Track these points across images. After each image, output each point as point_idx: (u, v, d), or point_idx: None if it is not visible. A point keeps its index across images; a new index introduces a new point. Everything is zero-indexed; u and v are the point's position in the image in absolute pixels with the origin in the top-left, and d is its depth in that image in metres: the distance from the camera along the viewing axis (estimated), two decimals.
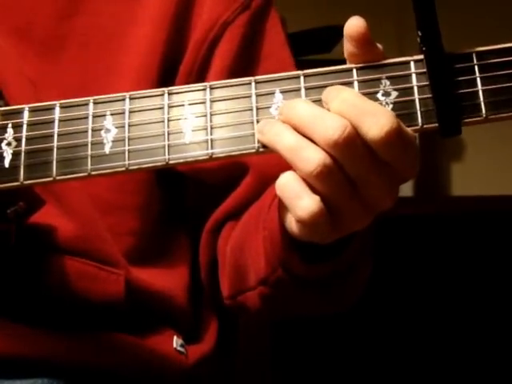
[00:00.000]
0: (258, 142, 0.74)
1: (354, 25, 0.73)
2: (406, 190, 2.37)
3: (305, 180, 0.72)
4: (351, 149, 0.70)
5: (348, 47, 0.74)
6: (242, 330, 1.20)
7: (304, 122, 0.72)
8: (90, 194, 0.99)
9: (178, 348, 1.02)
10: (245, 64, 1.03)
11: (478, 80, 0.70)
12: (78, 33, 1.02)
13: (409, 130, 0.71)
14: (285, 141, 0.72)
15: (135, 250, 1.02)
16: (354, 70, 0.73)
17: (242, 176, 1.02)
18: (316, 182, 0.71)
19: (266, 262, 0.89)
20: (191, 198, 1.08)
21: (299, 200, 0.72)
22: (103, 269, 0.97)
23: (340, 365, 2.35)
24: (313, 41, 2.27)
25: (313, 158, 0.70)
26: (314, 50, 2.21)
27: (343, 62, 0.76)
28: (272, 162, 0.78)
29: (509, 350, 2.33)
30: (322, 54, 2.20)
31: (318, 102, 0.73)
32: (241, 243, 0.97)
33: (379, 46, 0.74)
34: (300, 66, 1.06)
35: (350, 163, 0.71)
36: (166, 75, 1.01)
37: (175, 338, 1.02)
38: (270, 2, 1.08)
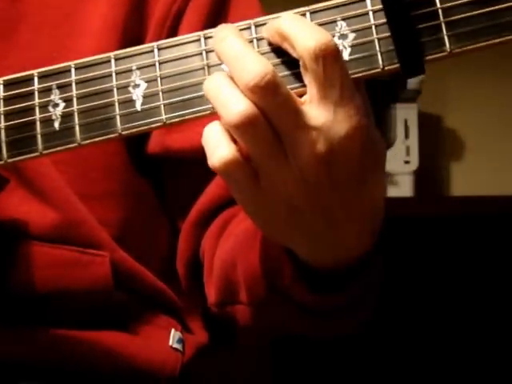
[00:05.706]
0: None
1: None
2: (406, 190, 2.34)
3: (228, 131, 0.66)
4: (271, 97, 0.64)
5: None
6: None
7: (227, 59, 0.66)
8: None
9: (175, 345, 0.97)
10: None
11: (440, 12, 0.64)
12: (32, 14, 0.98)
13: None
14: (211, 82, 0.67)
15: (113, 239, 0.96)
16: (308, 14, 0.68)
17: None
18: (236, 132, 0.65)
19: (264, 286, 0.83)
20: (170, 185, 1.02)
21: (216, 148, 0.66)
22: (86, 252, 0.92)
23: (340, 364, 2.32)
24: None
25: (234, 107, 0.64)
26: None
27: None
28: None
29: (509, 349, 2.30)
30: None
31: (271, 53, 0.68)
32: (233, 258, 0.89)
33: None
34: None
35: (270, 112, 0.65)
36: None
37: (173, 331, 0.97)
38: None
